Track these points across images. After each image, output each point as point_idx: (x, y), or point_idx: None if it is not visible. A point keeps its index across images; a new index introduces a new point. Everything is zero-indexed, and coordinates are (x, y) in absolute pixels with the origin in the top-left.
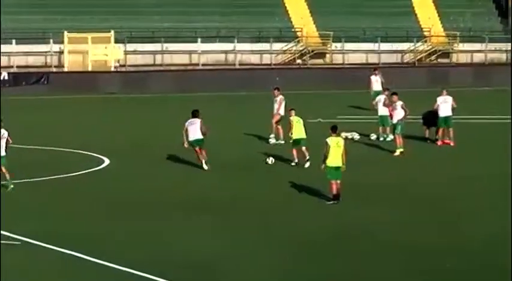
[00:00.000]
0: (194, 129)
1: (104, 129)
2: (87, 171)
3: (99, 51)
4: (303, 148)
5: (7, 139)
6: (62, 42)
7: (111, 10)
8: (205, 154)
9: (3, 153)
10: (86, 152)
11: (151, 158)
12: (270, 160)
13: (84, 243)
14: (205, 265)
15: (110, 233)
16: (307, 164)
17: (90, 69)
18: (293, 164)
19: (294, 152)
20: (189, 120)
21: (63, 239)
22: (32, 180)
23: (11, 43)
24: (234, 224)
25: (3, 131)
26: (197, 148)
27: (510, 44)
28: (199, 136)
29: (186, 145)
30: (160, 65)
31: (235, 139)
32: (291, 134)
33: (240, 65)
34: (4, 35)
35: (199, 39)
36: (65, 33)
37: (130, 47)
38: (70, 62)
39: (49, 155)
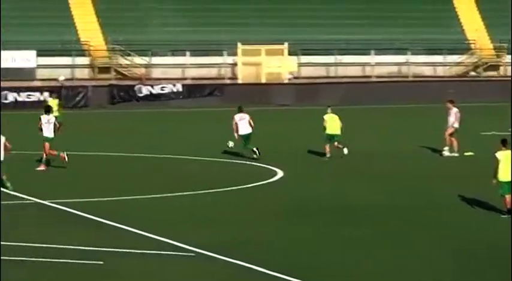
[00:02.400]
0: (244, 124)
1: (276, 141)
2: (259, 183)
3: (272, 63)
4: (335, 143)
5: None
6: (236, 54)
7: (284, 22)
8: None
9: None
10: (259, 164)
11: (324, 170)
12: (230, 144)
13: (257, 254)
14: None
15: (277, 243)
16: (345, 151)
17: (263, 81)
18: (326, 158)
19: (326, 146)
20: (239, 115)
21: (236, 250)
22: (204, 191)
23: (185, 55)
24: (396, 236)
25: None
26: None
27: None
28: (249, 130)
29: (237, 137)
30: (333, 77)
31: (407, 151)
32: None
33: (413, 77)
34: (178, 46)
35: (372, 52)
36: (239, 45)
37: (304, 59)
38: (243, 74)
39: (222, 167)
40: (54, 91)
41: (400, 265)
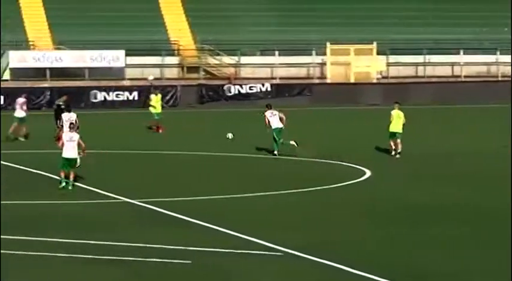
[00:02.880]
0: (275, 119)
1: (365, 141)
2: (348, 182)
3: (361, 63)
4: (398, 140)
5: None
6: (325, 54)
7: (373, 22)
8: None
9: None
10: (347, 164)
11: (412, 170)
12: (230, 135)
13: (346, 254)
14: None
15: (367, 243)
16: (397, 156)
17: (352, 80)
18: (392, 154)
19: (391, 143)
20: (270, 112)
21: (322, 250)
22: (293, 191)
23: (274, 55)
24: (482, 236)
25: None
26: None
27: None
28: (280, 125)
29: (268, 131)
30: (422, 76)
31: (494, 151)
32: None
33: (502, 77)
34: (267, 46)
35: (461, 51)
36: (328, 45)
37: (393, 58)
38: (332, 74)
39: (310, 166)
40: (157, 88)
41: (488, 265)
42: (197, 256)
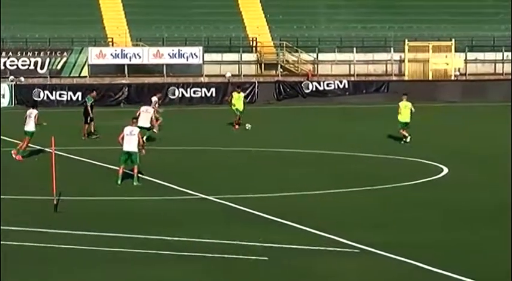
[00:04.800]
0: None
1: (443, 138)
2: (426, 179)
3: (439, 60)
4: (404, 130)
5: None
6: (403, 50)
7: (451, 19)
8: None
9: None
10: (424, 161)
11: (488, 168)
12: (248, 126)
13: (421, 252)
14: None
15: (446, 242)
16: (408, 139)
17: (430, 77)
18: (404, 141)
19: (402, 132)
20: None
21: (401, 248)
22: (371, 188)
23: (351, 51)
24: None
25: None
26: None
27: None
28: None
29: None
30: (501, 74)
31: None
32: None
33: None
34: (345, 43)
35: None
36: (406, 41)
37: (471, 55)
38: (410, 71)
39: (389, 163)
40: (240, 86)
41: None
42: (273, 253)
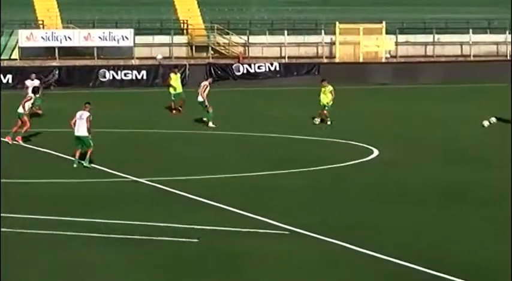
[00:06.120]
0: None
1: (373, 120)
2: (356, 161)
3: (370, 43)
4: (324, 112)
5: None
6: (334, 33)
7: (382, 1)
8: None
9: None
10: (355, 143)
11: (419, 150)
12: (317, 121)
13: (351, 233)
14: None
15: (376, 224)
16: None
17: (361, 60)
18: (321, 122)
19: (323, 112)
20: None
21: (330, 229)
22: (301, 170)
23: (283, 34)
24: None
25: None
26: None
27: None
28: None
29: None
30: (431, 56)
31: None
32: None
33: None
34: (276, 25)
35: (470, 30)
36: (337, 24)
37: (402, 38)
38: (341, 53)
39: (319, 145)
40: (177, 66)
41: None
42: (204, 235)
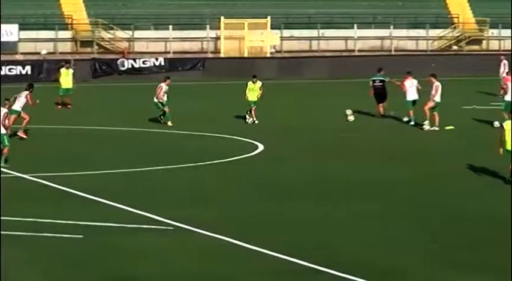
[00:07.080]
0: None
1: (259, 116)
2: (241, 157)
3: (255, 37)
4: (253, 109)
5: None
6: (219, 28)
7: None
8: None
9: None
10: (241, 138)
11: (305, 144)
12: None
13: (236, 227)
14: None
15: (260, 217)
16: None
17: (246, 55)
18: (249, 121)
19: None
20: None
21: (215, 224)
22: (186, 165)
23: (167, 29)
24: (388, 213)
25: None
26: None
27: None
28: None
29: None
30: (316, 51)
31: (389, 125)
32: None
33: (395, 51)
34: (161, 20)
35: (355, 25)
36: (222, 19)
37: (287, 33)
38: (226, 48)
39: (204, 140)
40: (69, 62)
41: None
42: (88, 231)
